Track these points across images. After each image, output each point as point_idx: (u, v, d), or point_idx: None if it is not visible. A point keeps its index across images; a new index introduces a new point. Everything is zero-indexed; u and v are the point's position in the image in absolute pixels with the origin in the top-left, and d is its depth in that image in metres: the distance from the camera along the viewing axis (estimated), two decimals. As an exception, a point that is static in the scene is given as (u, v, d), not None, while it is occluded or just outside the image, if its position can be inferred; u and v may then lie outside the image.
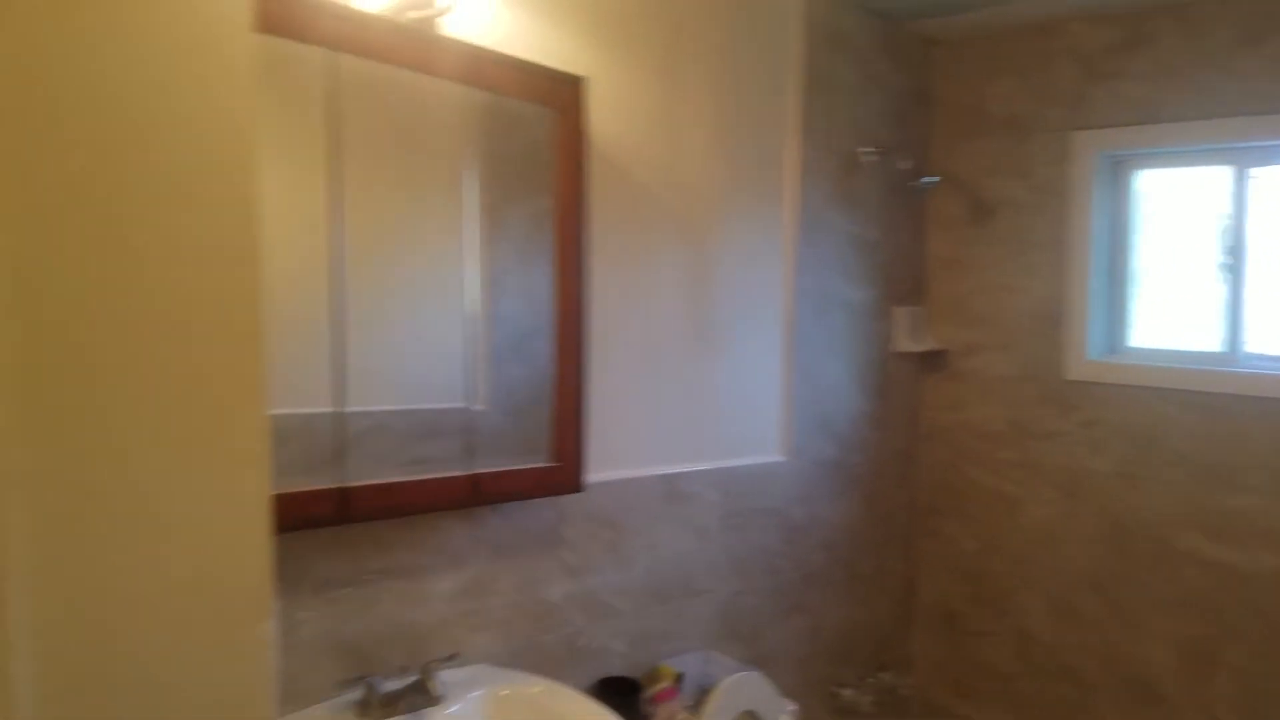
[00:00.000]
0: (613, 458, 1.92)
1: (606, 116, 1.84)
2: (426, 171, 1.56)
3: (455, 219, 1.59)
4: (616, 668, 1.94)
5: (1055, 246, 2.60)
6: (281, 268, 1.36)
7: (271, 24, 1.28)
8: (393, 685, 1.50)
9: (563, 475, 1.72)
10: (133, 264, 0.87)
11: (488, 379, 1.65)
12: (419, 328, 1.57)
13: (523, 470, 1.66)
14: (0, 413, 0.79)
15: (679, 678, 1.92)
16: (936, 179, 2.76)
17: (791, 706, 1.95)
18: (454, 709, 1.51)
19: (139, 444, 0.88)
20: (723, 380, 2.18)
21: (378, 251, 1.50)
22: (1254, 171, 2.39)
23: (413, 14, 1.51)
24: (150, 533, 0.90)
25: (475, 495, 1.58)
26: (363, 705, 1.45)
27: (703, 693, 1.85)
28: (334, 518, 1.40)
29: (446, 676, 1.58)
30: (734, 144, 2.16)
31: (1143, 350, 2.59)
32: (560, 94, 1.67)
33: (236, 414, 0.96)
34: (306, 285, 1.41)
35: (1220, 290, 2.44)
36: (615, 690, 1.84)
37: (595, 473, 1.86)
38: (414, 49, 1.47)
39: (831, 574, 2.57)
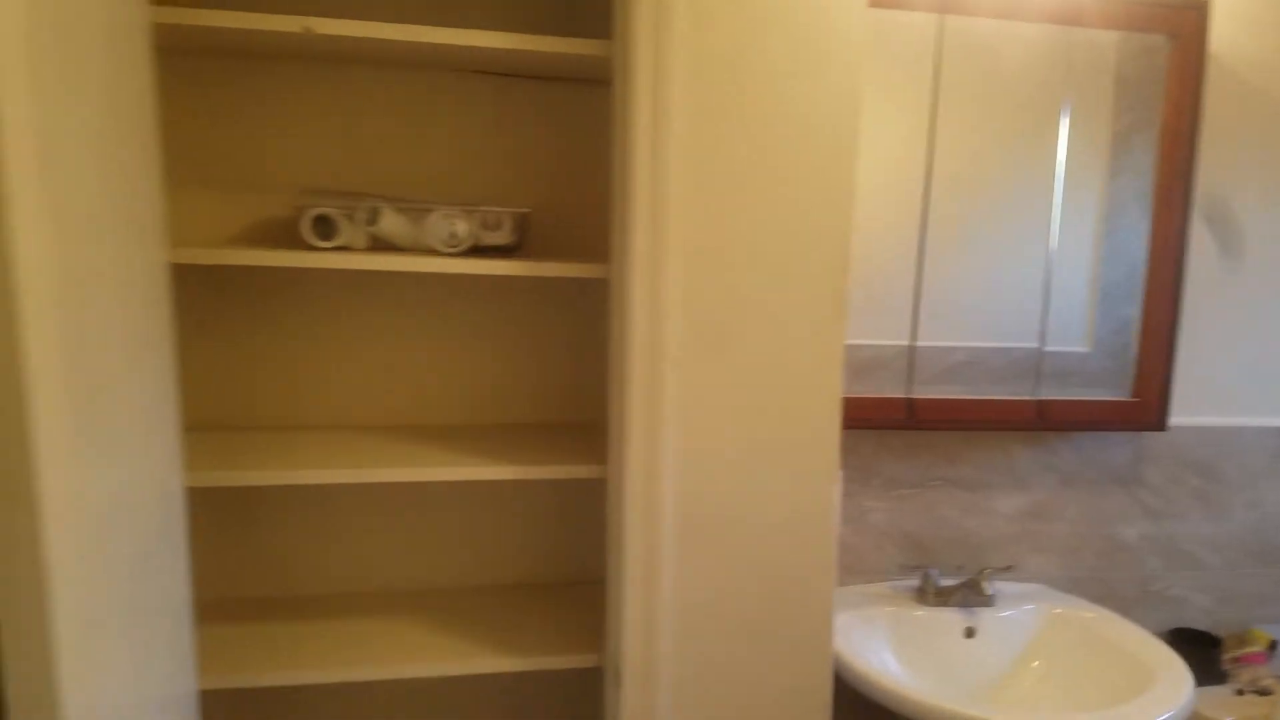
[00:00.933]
0: (1211, 402, 1.78)
1: (1234, 34, 1.67)
2: (1015, 113, 1.62)
3: (1045, 162, 1.63)
4: (1194, 621, 1.83)
5: None
6: (879, 213, 1.58)
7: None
8: (948, 581, 1.67)
9: (1141, 412, 1.68)
10: (759, 195, 1.18)
11: (1075, 315, 1.67)
12: (997, 269, 1.65)
13: (1094, 401, 1.66)
14: (671, 309, 1.16)
15: (1273, 644, 1.74)
16: None
17: None
18: (1005, 614, 1.63)
19: (753, 338, 1.21)
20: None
21: (961, 197, 1.62)
22: None
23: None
24: (756, 401, 1.22)
25: (1040, 419, 1.64)
26: (919, 591, 1.66)
27: (1301, 669, 1.66)
28: (902, 423, 1.61)
29: (999, 585, 1.70)
30: None
31: None
32: (1177, 21, 1.58)
33: (823, 323, 1.25)
34: (899, 231, 1.61)
35: None
36: (1188, 641, 1.75)
37: (1185, 415, 1.76)
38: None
39: None
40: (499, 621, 1.45)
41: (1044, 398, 1.65)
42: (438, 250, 1.33)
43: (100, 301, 0.78)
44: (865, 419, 1.59)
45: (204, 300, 1.43)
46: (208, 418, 1.44)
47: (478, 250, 1.37)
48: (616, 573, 1.23)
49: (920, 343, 1.62)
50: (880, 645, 1.53)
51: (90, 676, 0.76)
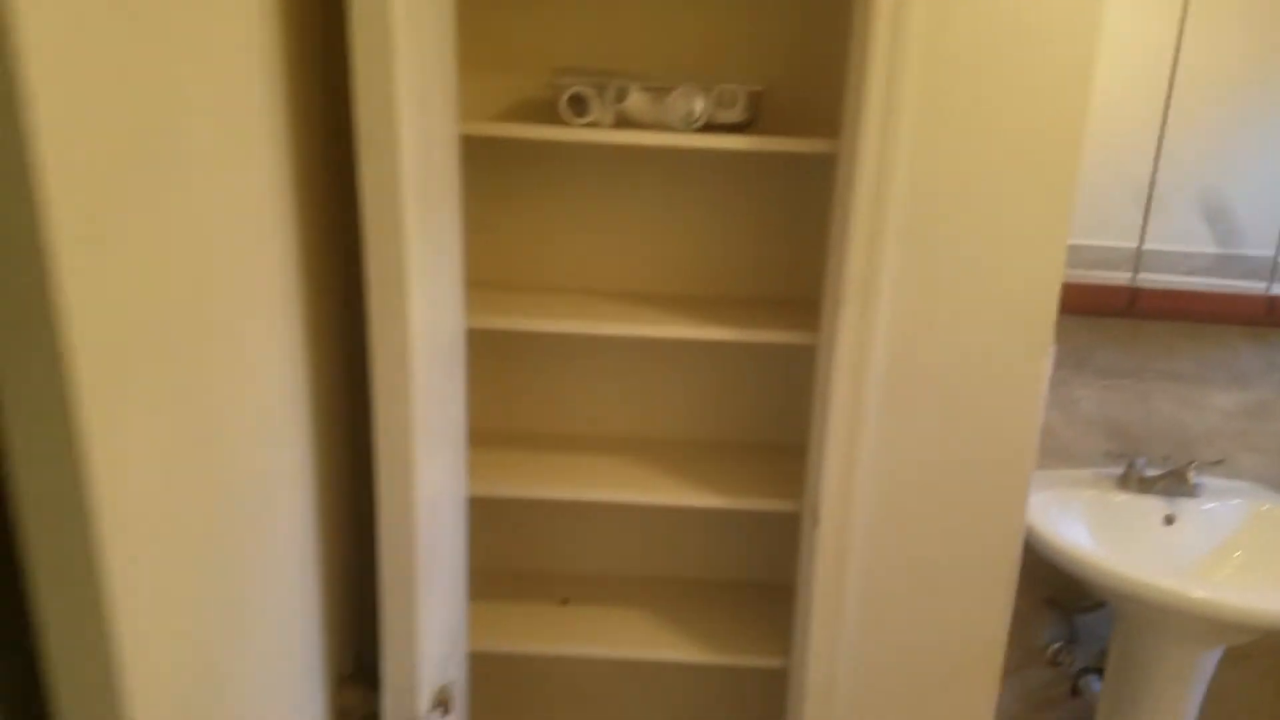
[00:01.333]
0: None
1: None
2: (1273, 7, 1.51)
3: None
4: None
5: None
6: (1116, 106, 1.54)
7: None
8: (1153, 471, 1.69)
9: (1390, 315, 1.59)
10: (992, 76, 1.22)
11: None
12: (1241, 173, 1.58)
13: (1335, 301, 1.60)
14: (896, 184, 1.23)
15: None
16: None
17: None
18: (1208, 506, 1.64)
19: (974, 215, 1.27)
20: None
21: (1206, 97, 1.54)
22: None
23: None
24: (972, 277, 1.29)
25: (1269, 315, 1.60)
26: (1123, 479, 1.69)
27: None
28: (1122, 310, 1.61)
29: (1206, 480, 1.70)
30: None
31: None
32: None
33: (1047, 200, 1.29)
34: (1136, 126, 1.56)
35: None
36: None
37: None
38: None
39: None
40: (708, 468, 1.61)
41: (1276, 294, 1.60)
42: (676, 127, 1.44)
43: (434, 162, 0.94)
44: (1084, 305, 1.60)
45: (471, 169, 1.62)
46: (470, 275, 1.65)
47: (713, 127, 1.47)
48: (820, 430, 1.35)
49: (1149, 246, 1.60)
50: (1075, 522, 1.59)
51: (421, 470, 0.96)
